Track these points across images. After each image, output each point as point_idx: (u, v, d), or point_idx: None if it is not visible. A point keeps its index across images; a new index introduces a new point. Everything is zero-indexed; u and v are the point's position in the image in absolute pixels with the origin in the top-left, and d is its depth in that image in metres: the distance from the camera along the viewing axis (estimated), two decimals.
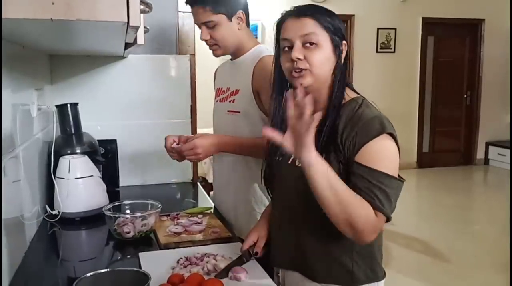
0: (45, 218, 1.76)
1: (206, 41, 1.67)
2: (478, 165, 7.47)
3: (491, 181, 7.13)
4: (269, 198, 1.49)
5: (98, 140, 2.06)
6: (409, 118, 7.13)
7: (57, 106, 1.94)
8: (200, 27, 1.66)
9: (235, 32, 1.67)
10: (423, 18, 6.93)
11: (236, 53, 1.74)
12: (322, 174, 1.09)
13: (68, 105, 1.94)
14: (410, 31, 6.94)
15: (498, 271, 3.58)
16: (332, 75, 1.22)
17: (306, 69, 1.19)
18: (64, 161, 1.78)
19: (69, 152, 1.89)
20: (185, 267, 1.28)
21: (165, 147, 1.70)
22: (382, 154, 1.15)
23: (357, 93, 1.28)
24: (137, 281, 1.04)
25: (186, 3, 1.67)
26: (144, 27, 1.59)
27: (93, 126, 2.12)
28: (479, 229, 4.76)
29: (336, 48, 1.21)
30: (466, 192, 6.29)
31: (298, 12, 1.21)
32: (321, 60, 1.19)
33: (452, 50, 7.26)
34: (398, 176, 1.17)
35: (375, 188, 1.12)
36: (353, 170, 1.15)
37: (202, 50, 1.81)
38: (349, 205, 1.10)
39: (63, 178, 1.76)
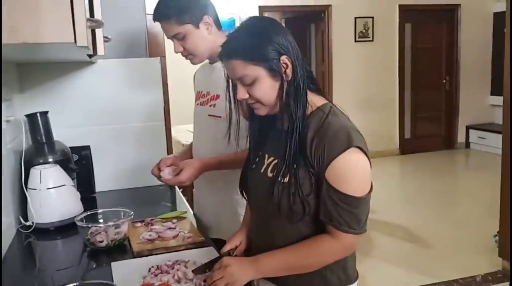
0: (20, 229, 1.75)
1: (181, 53, 1.68)
2: (459, 148, 7.57)
3: (472, 164, 7.22)
4: None
5: (71, 147, 2.05)
6: (390, 106, 7.18)
7: (26, 115, 1.93)
8: (172, 41, 1.67)
9: (206, 38, 1.66)
10: (399, 6, 6.96)
11: (213, 57, 1.73)
12: (271, 273, 1.23)
13: (38, 114, 1.93)
14: (387, 19, 6.96)
15: (478, 252, 3.64)
16: (283, 94, 1.18)
17: (256, 102, 1.20)
18: (35, 171, 1.77)
19: (41, 161, 1.88)
20: (156, 276, 1.28)
21: (152, 172, 1.72)
22: (351, 172, 1.14)
23: (326, 99, 1.26)
24: None
25: (154, 20, 1.66)
26: (104, 37, 1.56)
27: (66, 133, 2.11)
28: (461, 212, 4.84)
29: (275, 71, 1.16)
30: (448, 175, 6.37)
31: (226, 55, 1.18)
32: (264, 92, 1.18)
33: (429, 36, 7.30)
34: (371, 184, 1.17)
35: (344, 212, 1.13)
36: (323, 188, 1.15)
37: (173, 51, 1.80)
38: (309, 262, 1.20)
39: (35, 189, 1.75)
